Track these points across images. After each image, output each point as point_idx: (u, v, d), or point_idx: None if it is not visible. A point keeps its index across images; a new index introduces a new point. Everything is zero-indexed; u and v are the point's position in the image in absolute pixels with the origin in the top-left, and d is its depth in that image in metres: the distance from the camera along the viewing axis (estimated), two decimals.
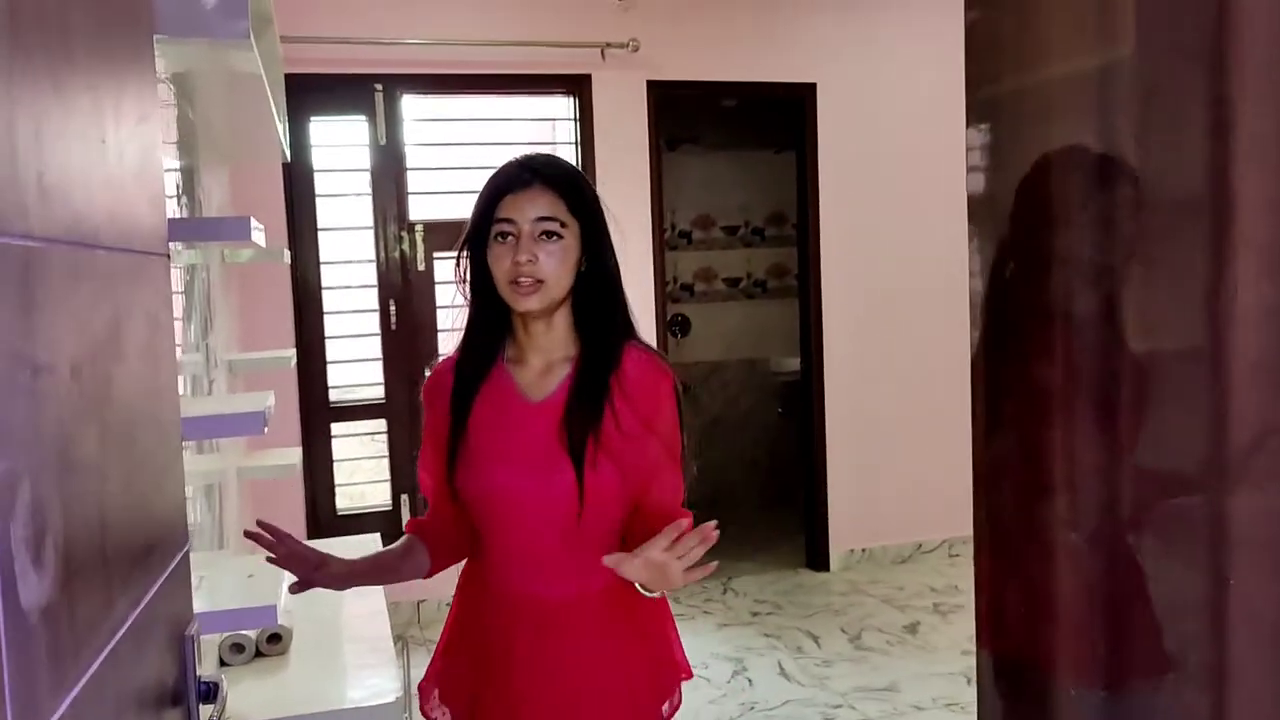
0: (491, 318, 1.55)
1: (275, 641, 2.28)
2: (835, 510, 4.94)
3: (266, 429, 1.63)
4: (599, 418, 1.48)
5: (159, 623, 0.91)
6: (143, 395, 0.89)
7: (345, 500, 4.53)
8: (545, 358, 1.55)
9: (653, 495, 1.53)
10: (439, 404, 1.59)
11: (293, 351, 3.22)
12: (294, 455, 3.18)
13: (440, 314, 4.42)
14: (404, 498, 4.40)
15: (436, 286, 4.41)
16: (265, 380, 3.87)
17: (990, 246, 1.15)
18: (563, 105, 4.62)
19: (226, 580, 1.91)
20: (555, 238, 1.47)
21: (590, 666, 1.52)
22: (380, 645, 2.24)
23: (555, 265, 1.47)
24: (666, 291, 5.28)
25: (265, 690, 2.01)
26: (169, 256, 1.02)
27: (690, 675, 1.65)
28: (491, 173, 1.54)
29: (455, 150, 4.51)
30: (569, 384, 1.52)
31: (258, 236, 1.67)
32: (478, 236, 1.50)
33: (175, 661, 0.96)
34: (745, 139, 6.18)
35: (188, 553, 1.03)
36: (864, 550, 5.03)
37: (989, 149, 1.15)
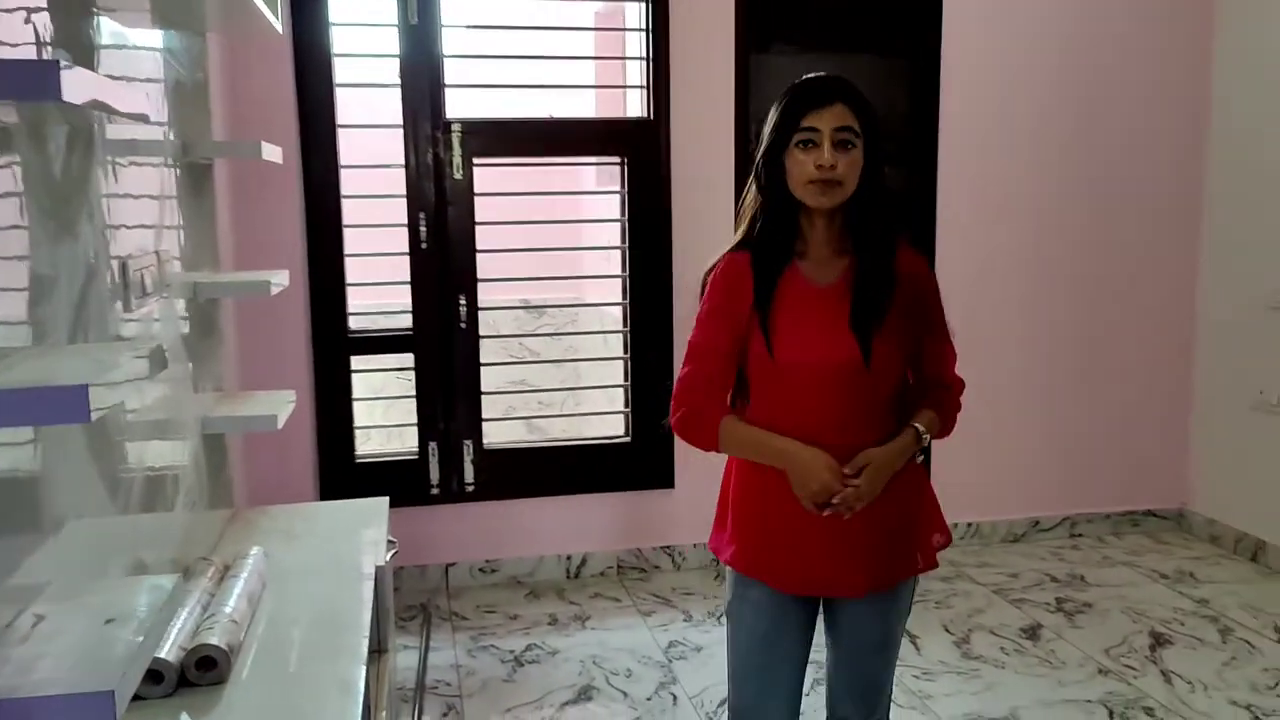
0: (783, 215, 1.81)
1: (208, 668, 1.69)
2: (941, 472, 4.18)
3: (94, 416, 1.00)
4: (882, 299, 1.78)
5: None
6: None
7: (367, 446, 3.93)
8: (828, 250, 1.83)
9: (930, 365, 1.92)
10: (739, 290, 1.84)
11: (281, 275, 2.55)
12: (282, 401, 2.53)
13: (481, 231, 3.72)
14: (433, 445, 3.77)
15: (476, 199, 3.70)
16: (262, 308, 3.23)
17: None
18: None
19: (75, 625, 1.28)
20: (850, 147, 1.75)
21: (878, 507, 1.81)
22: (348, 671, 1.64)
23: (849, 169, 1.74)
24: None
25: None
26: None
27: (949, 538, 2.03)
28: (790, 85, 1.81)
29: (502, 36, 3.77)
30: (849, 272, 1.82)
31: (75, 92, 0.98)
32: (781, 142, 1.77)
33: None
34: (849, 38, 5.29)
35: None
36: (971, 525, 4.29)
37: None
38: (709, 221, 3.87)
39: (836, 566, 1.86)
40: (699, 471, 3.84)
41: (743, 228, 1.89)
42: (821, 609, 1.98)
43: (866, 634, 1.95)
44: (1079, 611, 3.60)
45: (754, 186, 1.86)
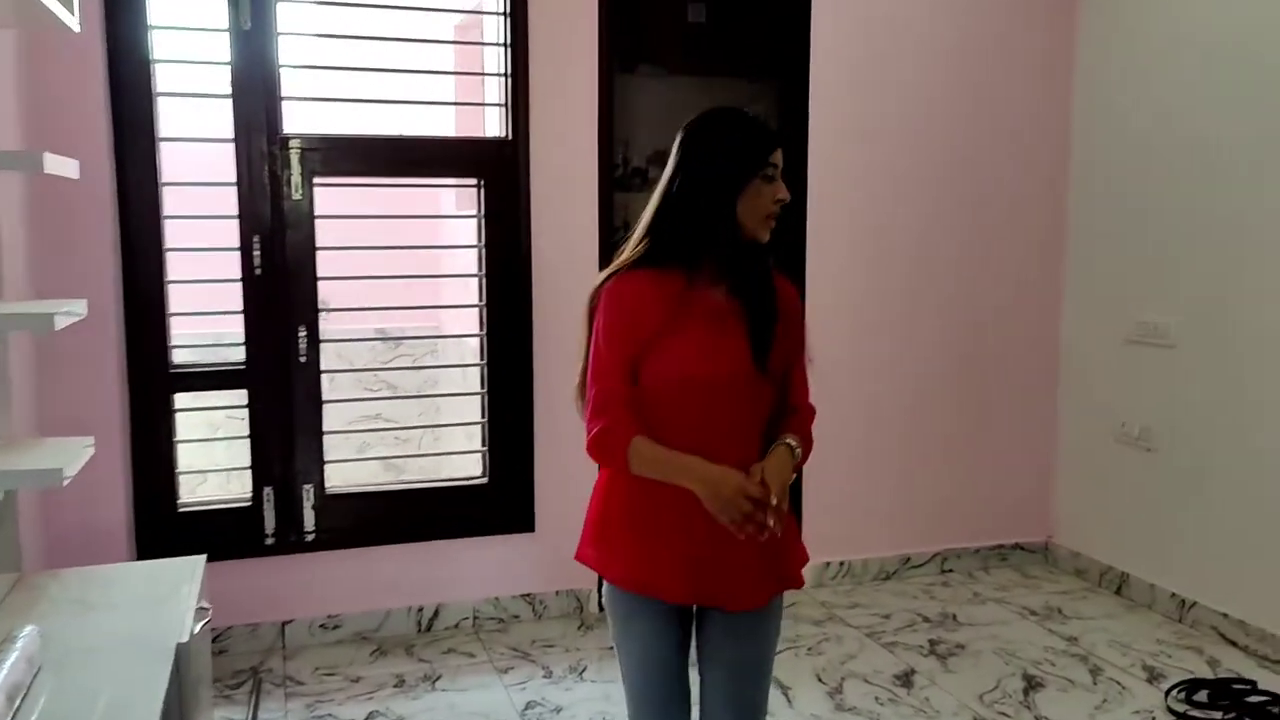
0: (726, 241, 1.85)
1: None
2: (811, 511, 4.06)
3: None
4: (772, 316, 1.88)
5: None
6: None
7: (197, 493, 3.55)
8: (725, 274, 1.89)
9: (791, 391, 1.98)
10: (642, 309, 1.85)
11: (77, 304, 2.20)
12: (76, 449, 2.19)
13: (324, 257, 3.42)
14: (268, 491, 3.42)
15: (318, 221, 3.40)
16: (67, 341, 2.86)
17: None
18: None
19: None
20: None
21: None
22: None
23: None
24: (614, 239, 4.33)
25: None
26: None
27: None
28: (738, 121, 1.88)
29: (349, 47, 3.49)
30: (730, 291, 1.88)
31: None
32: (745, 176, 1.84)
33: None
34: (716, 61, 5.19)
35: None
36: (843, 564, 4.17)
37: None
38: (571, 248, 3.67)
39: (728, 577, 1.88)
40: (560, 513, 3.63)
41: (640, 246, 1.90)
42: (695, 633, 1.99)
43: (747, 651, 1.96)
44: (952, 654, 3.50)
45: (684, 212, 1.85)
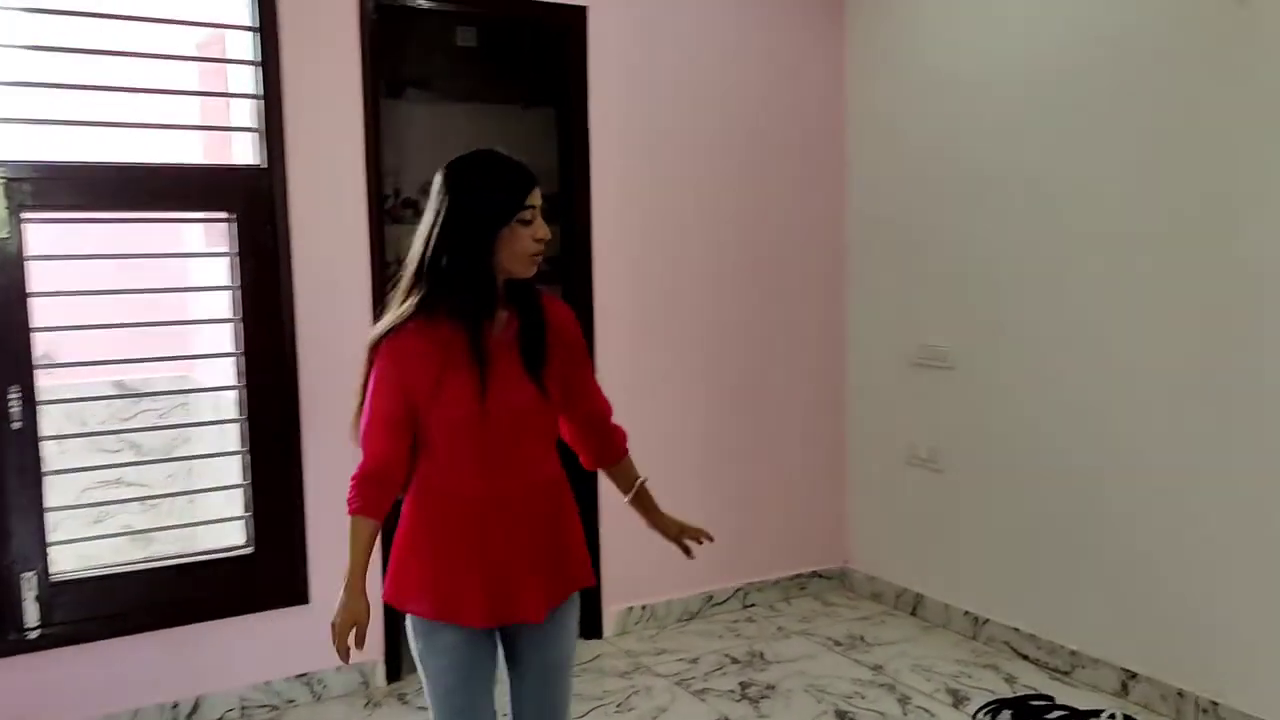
0: (489, 282, 1.92)
1: None
2: (610, 556, 3.87)
3: None
4: (544, 347, 1.98)
5: None
6: None
7: None
8: (503, 309, 1.97)
9: (587, 399, 2.14)
10: (418, 364, 1.92)
11: None
12: None
13: (39, 303, 2.93)
14: None
15: (29, 263, 2.91)
16: None
17: None
18: (238, 6, 3.24)
19: None
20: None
21: (547, 534, 2.02)
22: None
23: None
24: (387, 274, 4.00)
25: None
26: None
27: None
28: (494, 165, 1.92)
29: (66, 62, 3.02)
30: (511, 325, 1.97)
31: None
32: (503, 219, 1.89)
33: None
34: (489, 87, 4.98)
35: None
36: (645, 608, 3.99)
37: None
38: (339, 288, 3.34)
39: (526, 593, 1.98)
40: (338, 580, 3.24)
41: (413, 298, 1.93)
42: (500, 642, 2.07)
43: (551, 655, 2.07)
44: (764, 696, 3.38)
45: (443, 259, 1.89)
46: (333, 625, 1.92)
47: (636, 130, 3.84)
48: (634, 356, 3.86)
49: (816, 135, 4.22)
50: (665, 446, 3.97)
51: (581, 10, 3.67)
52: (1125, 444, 3.28)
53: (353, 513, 1.94)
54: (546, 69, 4.42)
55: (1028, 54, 3.51)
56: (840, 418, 4.37)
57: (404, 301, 1.93)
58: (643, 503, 2.23)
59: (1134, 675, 3.27)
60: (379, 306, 3.37)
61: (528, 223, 1.90)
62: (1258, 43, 2.87)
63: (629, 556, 3.89)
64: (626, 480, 2.22)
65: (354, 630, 1.91)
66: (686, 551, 2.27)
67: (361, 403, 1.96)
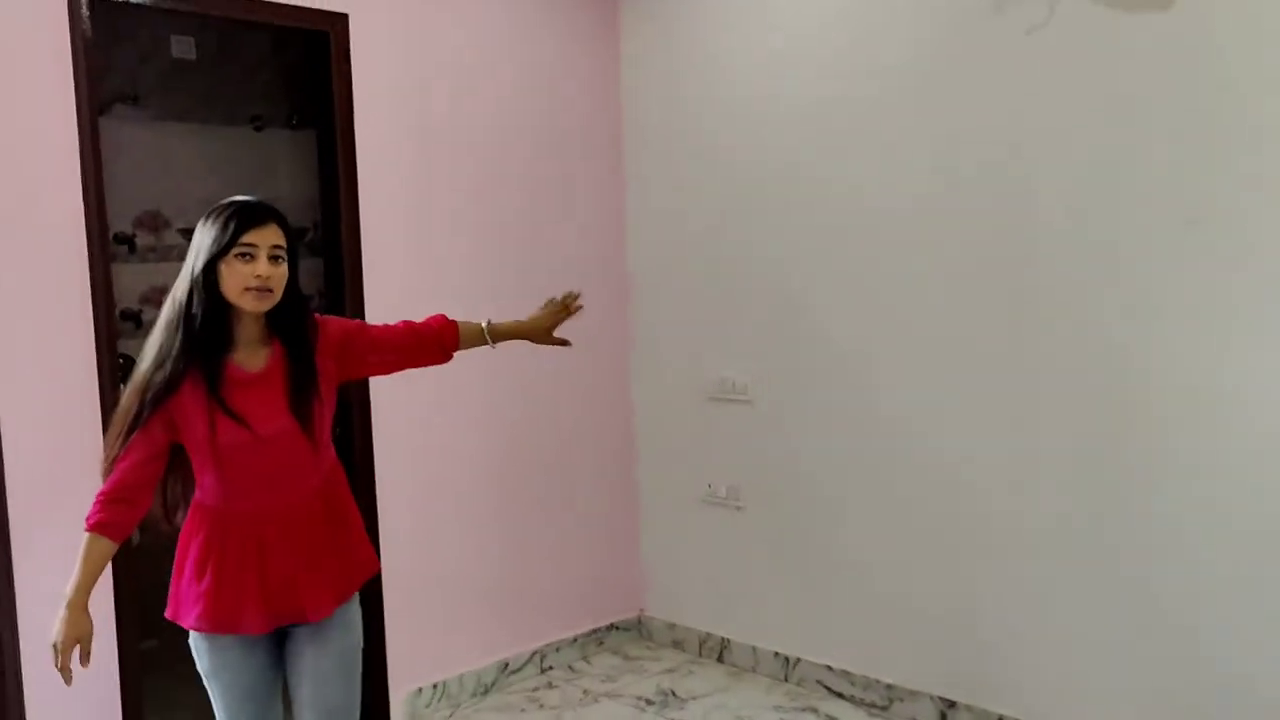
0: (218, 315, 2.03)
1: None
2: (394, 634, 3.42)
3: None
4: (311, 382, 2.11)
5: None
6: None
7: None
8: (256, 342, 2.09)
9: (395, 339, 2.30)
10: (176, 393, 2.02)
11: None
12: None
13: None
14: None
15: None
16: None
17: None
18: None
19: None
20: (280, 261, 2.06)
21: (325, 533, 2.14)
22: None
23: (279, 280, 2.05)
24: (119, 318, 3.32)
25: None
26: None
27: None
28: (227, 206, 2.06)
29: None
30: (282, 358, 2.10)
31: None
32: (221, 253, 2.01)
33: None
34: (218, 105, 4.38)
35: None
36: (437, 687, 3.57)
37: None
38: (50, 342, 2.71)
39: (304, 592, 2.09)
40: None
41: (167, 334, 2.04)
42: (285, 647, 2.16)
43: (332, 656, 2.15)
44: None
45: (185, 291, 2.03)
46: (54, 646, 1.93)
47: (409, 159, 3.44)
48: (407, 404, 3.44)
49: (595, 159, 3.99)
50: (450, 510, 3.59)
51: (342, 17, 3.23)
52: (928, 473, 3.27)
53: (90, 529, 1.98)
54: (297, 84, 3.93)
55: (811, 72, 3.46)
56: (630, 458, 4.15)
57: (163, 336, 2.03)
58: (504, 335, 2.40)
59: (953, 704, 3.26)
60: (105, 365, 2.80)
61: (248, 258, 2.00)
62: (1025, 50, 2.94)
63: (414, 630, 3.48)
64: (477, 339, 2.36)
65: (77, 648, 1.94)
66: (565, 342, 2.53)
67: (120, 430, 2.02)
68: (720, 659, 3.90)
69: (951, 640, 3.26)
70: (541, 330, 2.46)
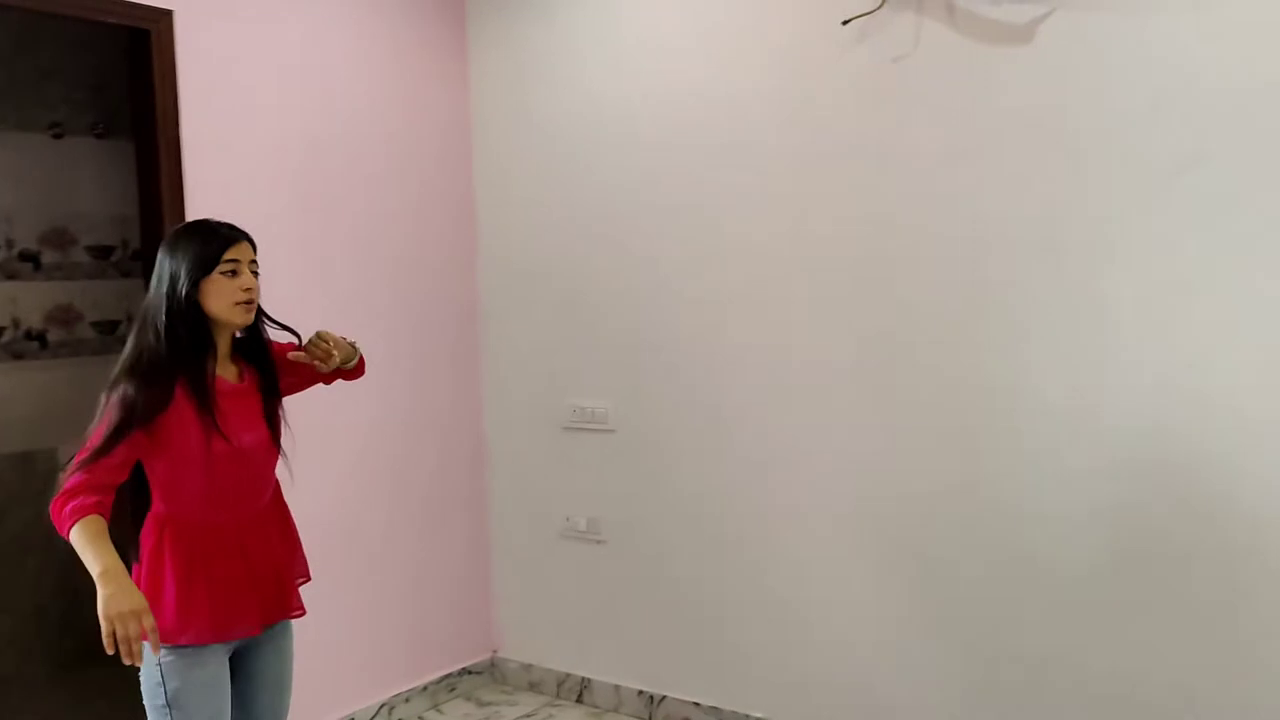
0: (202, 330, 2.09)
1: None
2: None
3: None
4: (277, 393, 2.25)
5: None
6: None
7: None
8: (226, 355, 2.17)
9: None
10: (172, 422, 2.05)
11: None
12: None
13: None
14: None
15: None
16: None
17: None
18: None
19: None
20: (257, 275, 2.15)
21: (278, 542, 2.23)
22: None
23: (258, 292, 2.15)
24: None
25: None
26: None
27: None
28: (197, 227, 2.13)
29: None
30: (246, 372, 2.20)
31: None
32: (205, 271, 2.07)
33: None
34: (3, 108, 3.92)
35: None
36: None
37: None
38: None
39: (283, 586, 2.22)
40: None
41: (143, 352, 2.05)
42: (241, 657, 2.19)
43: (285, 662, 2.26)
44: None
45: (166, 310, 2.05)
46: (109, 618, 1.79)
47: (239, 170, 3.14)
48: None
49: (442, 179, 3.77)
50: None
51: (167, 14, 2.90)
52: (795, 502, 3.22)
53: (84, 516, 1.89)
54: (104, 87, 3.55)
55: (668, 97, 3.38)
56: (481, 491, 3.94)
57: (145, 349, 2.03)
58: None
59: None
60: None
61: (232, 274, 2.08)
62: (889, 78, 2.95)
63: None
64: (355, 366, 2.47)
65: (138, 618, 1.82)
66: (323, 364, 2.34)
67: (106, 436, 1.96)
68: (580, 699, 3.73)
69: (823, 672, 3.22)
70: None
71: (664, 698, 3.54)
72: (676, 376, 3.44)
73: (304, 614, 2.28)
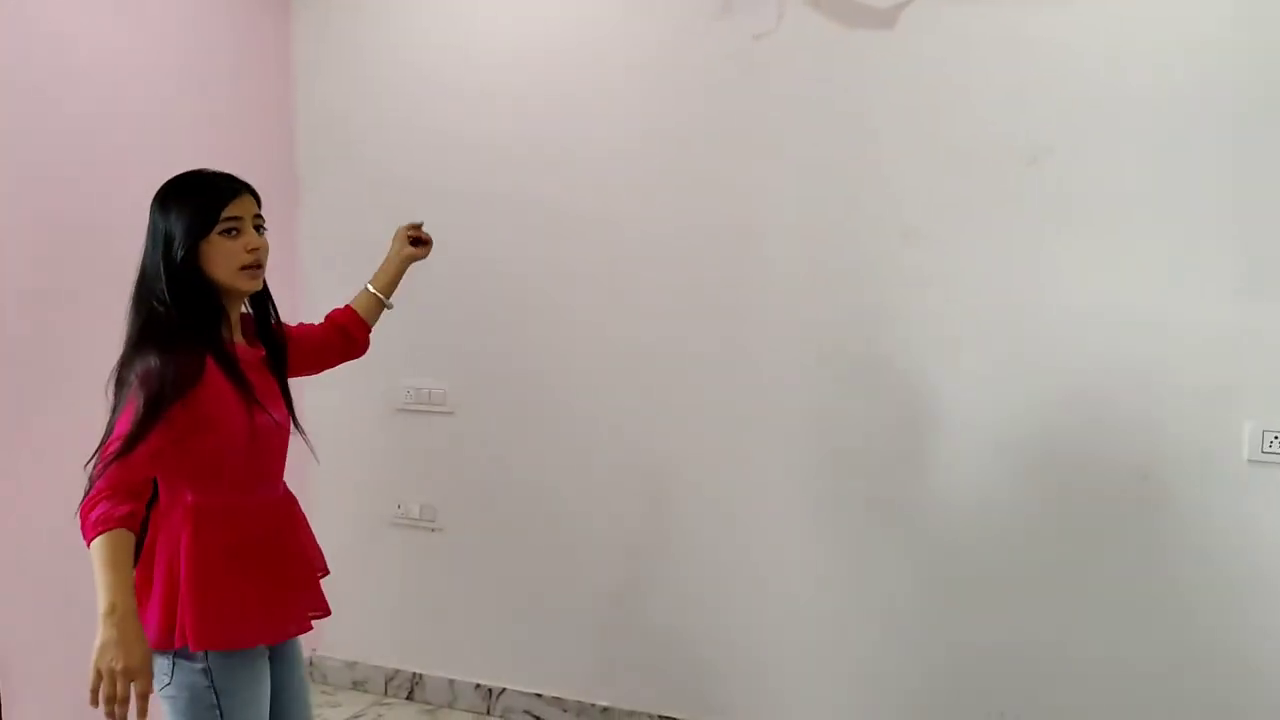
0: (212, 300, 1.85)
1: None
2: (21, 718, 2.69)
3: None
4: (287, 364, 2.06)
5: None
6: None
7: None
8: (237, 323, 1.94)
9: (304, 335, 2.23)
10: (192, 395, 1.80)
11: None
12: None
13: None
14: None
15: None
16: None
17: None
18: None
19: None
20: (263, 231, 1.91)
21: (304, 530, 2.06)
22: None
23: (267, 251, 1.90)
24: None
25: None
26: None
27: None
28: (187, 181, 1.86)
29: None
30: (256, 343, 1.99)
31: None
32: (201, 233, 1.81)
33: None
34: None
35: None
36: None
37: None
38: None
39: (314, 582, 2.03)
40: None
41: (147, 328, 1.81)
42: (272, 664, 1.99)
43: (299, 674, 2.04)
44: None
45: (165, 276, 1.81)
46: (98, 669, 1.57)
47: (18, 161, 2.73)
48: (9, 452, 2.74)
49: (264, 142, 3.44)
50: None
51: None
52: (641, 488, 3.15)
53: (110, 530, 1.63)
54: None
55: (514, 62, 3.21)
56: (302, 477, 3.63)
57: (145, 326, 1.79)
58: (391, 285, 2.41)
59: None
60: None
61: (234, 233, 1.84)
62: (752, 55, 2.92)
63: (43, 713, 2.77)
64: (376, 308, 2.39)
65: (131, 685, 1.58)
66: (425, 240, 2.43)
67: (109, 435, 1.72)
68: (411, 696, 3.53)
69: (669, 657, 3.17)
70: (408, 255, 2.40)
71: (503, 690, 3.39)
72: (520, 359, 3.29)
73: (330, 614, 2.07)
